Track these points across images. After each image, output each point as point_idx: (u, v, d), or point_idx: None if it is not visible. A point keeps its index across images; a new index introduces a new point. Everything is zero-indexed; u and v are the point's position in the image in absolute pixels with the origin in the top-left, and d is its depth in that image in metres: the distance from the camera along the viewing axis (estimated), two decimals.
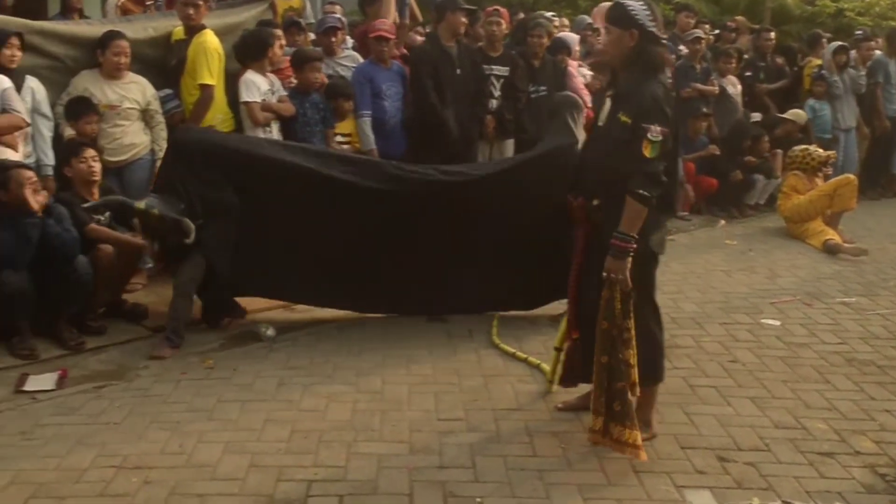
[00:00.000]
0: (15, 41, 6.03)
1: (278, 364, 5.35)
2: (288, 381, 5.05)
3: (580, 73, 8.99)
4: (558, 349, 4.86)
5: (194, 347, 5.60)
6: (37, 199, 5.34)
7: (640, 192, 3.92)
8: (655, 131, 3.91)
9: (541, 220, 5.70)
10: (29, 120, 5.94)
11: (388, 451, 4.23)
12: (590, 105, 8.96)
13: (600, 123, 4.27)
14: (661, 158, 3.96)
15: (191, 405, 4.73)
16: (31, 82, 6.21)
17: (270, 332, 5.83)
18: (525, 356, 5.44)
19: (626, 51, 4.10)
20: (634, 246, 3.99)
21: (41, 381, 5.01)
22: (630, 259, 3.99)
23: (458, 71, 7.77)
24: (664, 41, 4.36)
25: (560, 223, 5.61)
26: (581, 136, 5.89)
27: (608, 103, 4.23)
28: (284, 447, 4.21)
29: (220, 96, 6.90)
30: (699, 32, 10.59)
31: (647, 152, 3.92)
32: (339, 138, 7.46)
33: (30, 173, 5.39)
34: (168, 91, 6.97)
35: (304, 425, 4.47)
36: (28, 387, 4.96)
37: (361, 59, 7.99)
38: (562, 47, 8.72)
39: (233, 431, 4.40)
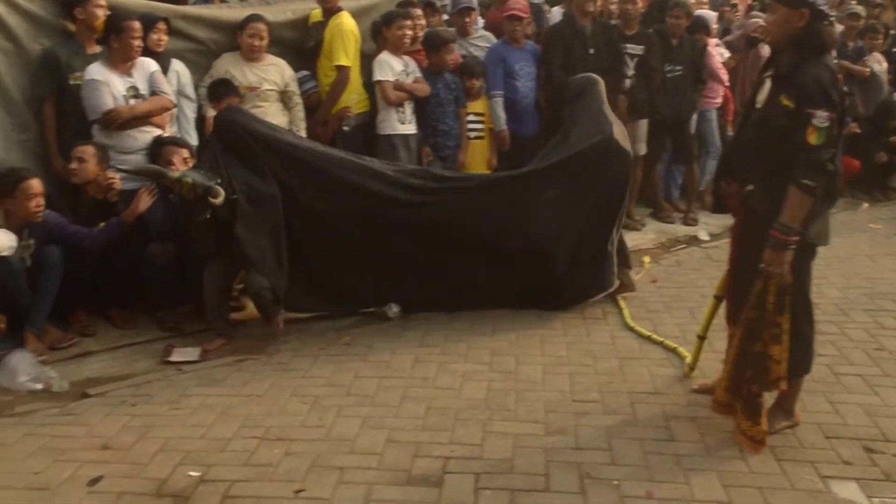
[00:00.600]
0: (162, 26, 6.25)
1: (413, 342, 5.40)
2: (423, 359, 5.10)
3: (717, 52, 8.75)
4: (701, 337, 4.76)
5: (331, 324, 5.71)
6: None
7: (805, 181, 3.72)
8: (822, 117, 3.69)
9: (582, 216, 5.80)
10: (175, 102, 6.13)
11: (523, 430, 4.22)
12: (727, 83, 8.79)
13: (758, 105, 4.05)
14: (827, 146, 3.73)
15: (329, 380, 4.82)
16: (177, 65, 6.43)
17: (395, 310, 5.86)
18: (661, 339, 5.34)
19: (793, 31, 3.88)
20: (796, 238, 3.79)
21: (186, 354, 5.20)
22: (791, 252, 3.82)
23: (592, 50, 7.67)
24: (832, 19, 4.14)
25: (602, 216, 5.71)
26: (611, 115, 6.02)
27: (767, 84, 4.01)
28: (421, 423, 4.25)
29: (355, 77, 6.98)
30: (858, 9, 10.13)
31: (813, 139, 3.71)
32: (471, 118, 7.45)
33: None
34: (305, 72, 7.08)
35: (440, 403, 4.50)
36: (174, 358, 5.15)
37: (495, 40, 7.97)
38: (701, 26, 8.48)
39: (370, 407, 4.46)
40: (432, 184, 5.85)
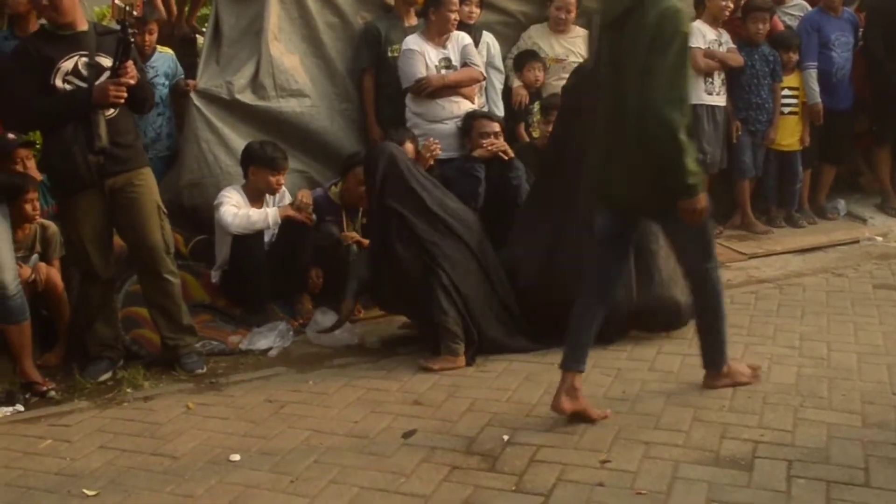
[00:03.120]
0: None
1: None
2: (728, 339, 4.94)
3: None
4: None
5: None
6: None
7: None
8: None
9: None
10: (485, 73, 6.28)
11: (838, 420, 3.98)
12: None
13: None
14: None
15: (631, 354, 4.80)
16: (487, 37, 6.60)
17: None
18: None
19: None
20: None
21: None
22: None
23: None
24: None
25: None
26: None
27: None
28: (728, 405, 4.13)
29: None
30: None
31: None
32: (784, 92, 7.15)
33: None
34: None
35: (747, 385, 4.35)
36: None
37: (809, 8, 7.57)
38: None
39: (674, 384, 4.39)
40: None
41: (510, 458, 3.67)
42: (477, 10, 6.51)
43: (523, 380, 4.49)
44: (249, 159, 5.56)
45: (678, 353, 4.76)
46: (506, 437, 3.84)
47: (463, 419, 4.07)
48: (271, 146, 5.60)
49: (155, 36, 5.99)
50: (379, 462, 3.67)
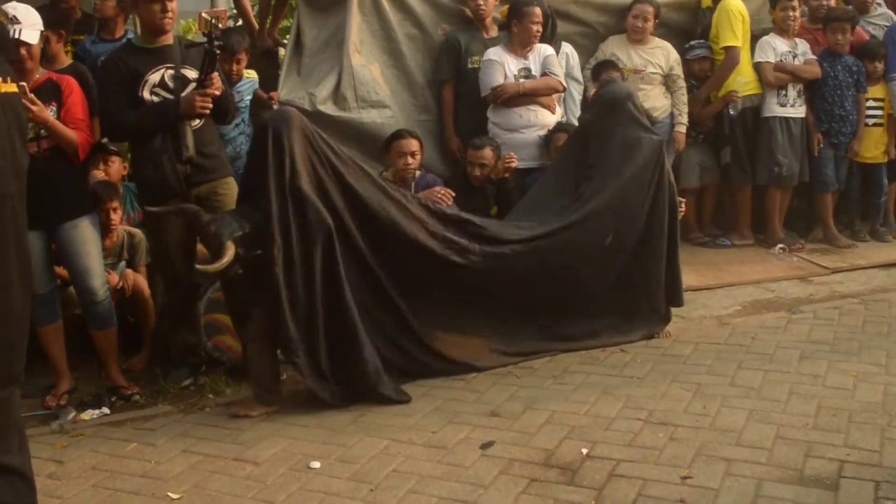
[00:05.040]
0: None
1: (799, 336, 5.17)
2: (810, 355, 4.86)
3: None
4: None
5: (708, 311, 5.64)
6: None
7: None
8: None
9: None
10: (565, 84, 6.27)
11: None
12: None
13: None
14: None
15: (711, 369, 4.73)
16: (566, 48, 6.61)
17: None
18: None
19: None
20: None
21: None
22: None
23: None
24: None
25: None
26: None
27: None
28: (811, 423, 4.04)
29: (745, 58, 6.81)
30: None
31: None
32: (869, 103, 7.01)
33: None
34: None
35: (831, 402, 4.25)
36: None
37: (895, 18, 7.41)
38: None
39: (756, 400, 4.32)
40: (475, 247, 4.79)
41: (589, 471, 3.65)
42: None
43: (601, 393, 4.46)
44: None
45: (759, 369, 4.68)
46: (585, 451, 3.82)
47: (541, 431, 4.06)
48: None
49: (243, 65, 6.02)
50: (457, 473, 3.68)
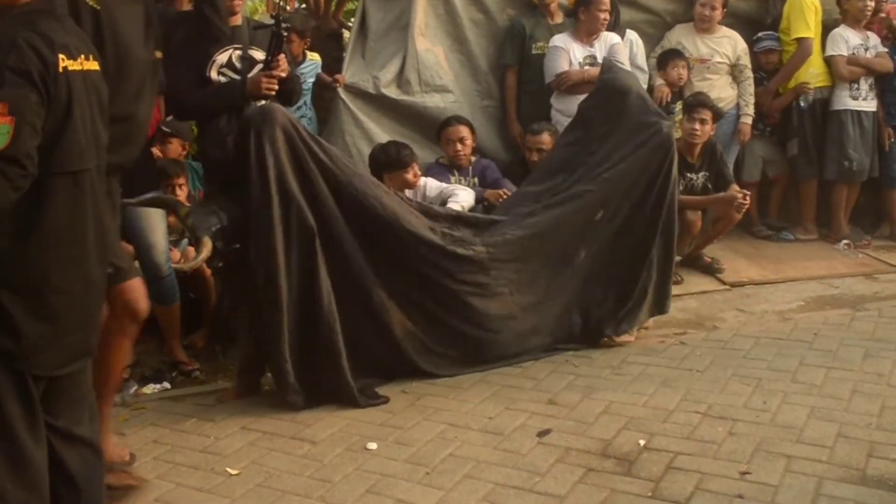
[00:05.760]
0: None
1: (863, 334, 5.08)
2: (875, 354, 4.76)
3: None
4: None
5: (772, 305, 5.57)
6: None
7: None
8: None
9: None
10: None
11: None
12: None
13: None
14: None
15: (772, 364, 4.66)
16: (631, 35, 6.56)
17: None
18: None
19: None
20: None
21: None
22: None
23: None
24: None
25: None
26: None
27: None
28: (875, 422, 3.97)
29: (816, 49, 6.68)
30: None
31: None
32: None
33: None
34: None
35: None
36: None
37: None
38: None
39: (817, 397, 4.25)
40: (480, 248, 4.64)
41: (646, 463, 3.63)
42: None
43: (660, 385, 4.42)
44: (380, 167, 5.30)
45: (822, 366, 4.60)
46: (642, 442, 3.79)
47: (598, 421, 4.04)
48: (393, 146, 5.41)
49: (307, 44, 6.04)
50: (513, 459, 3.68)
